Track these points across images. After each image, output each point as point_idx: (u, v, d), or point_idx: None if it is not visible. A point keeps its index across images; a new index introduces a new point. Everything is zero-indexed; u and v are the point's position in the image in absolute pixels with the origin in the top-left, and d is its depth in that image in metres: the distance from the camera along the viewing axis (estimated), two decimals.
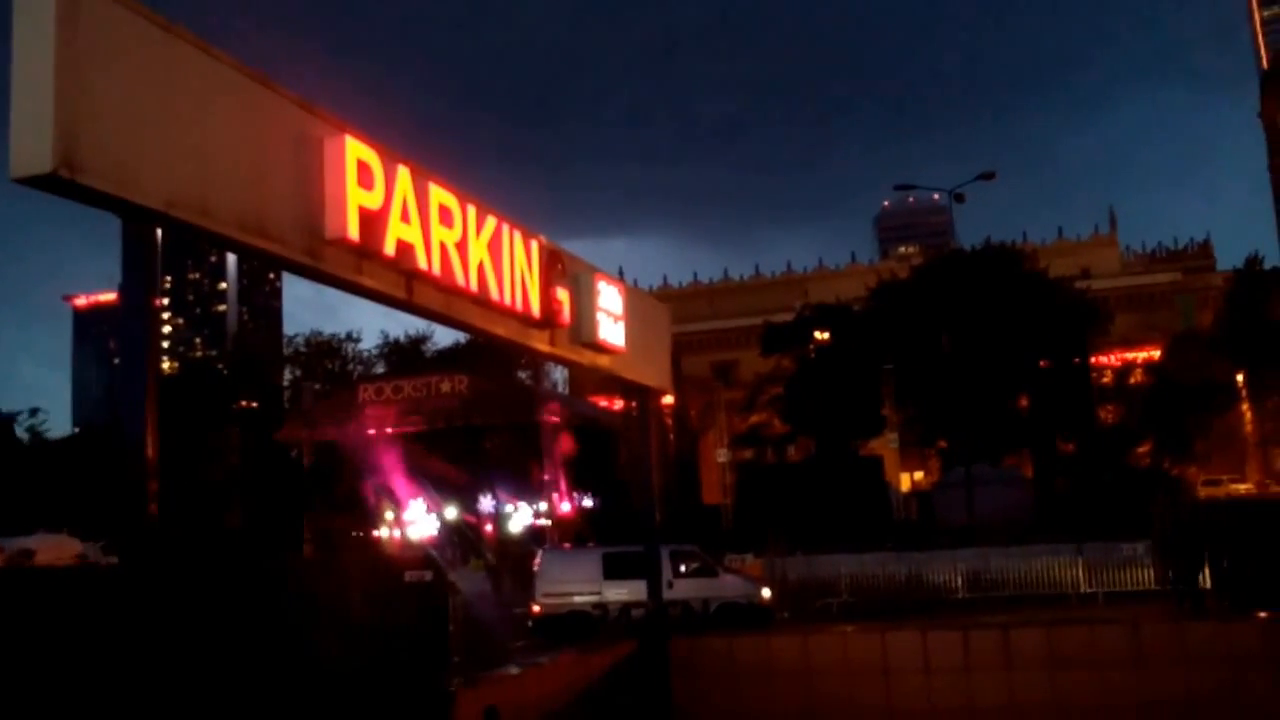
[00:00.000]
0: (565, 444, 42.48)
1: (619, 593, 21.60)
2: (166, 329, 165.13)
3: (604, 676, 17.50)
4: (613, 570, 21.94)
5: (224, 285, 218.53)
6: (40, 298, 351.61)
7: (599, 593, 21.79)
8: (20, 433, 59.53)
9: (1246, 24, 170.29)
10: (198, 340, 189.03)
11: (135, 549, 9.51)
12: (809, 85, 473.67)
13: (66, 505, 40.40)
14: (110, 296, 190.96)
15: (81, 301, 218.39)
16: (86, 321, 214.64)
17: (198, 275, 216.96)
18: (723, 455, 47.83)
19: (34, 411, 61.72)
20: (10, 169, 8.55)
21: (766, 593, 22.59)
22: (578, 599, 21.79)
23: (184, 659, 10.03)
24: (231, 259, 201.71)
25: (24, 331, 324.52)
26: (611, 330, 18.33)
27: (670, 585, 21.43)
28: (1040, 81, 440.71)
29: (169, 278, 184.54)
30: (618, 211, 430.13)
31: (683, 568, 22.09)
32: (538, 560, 23.19)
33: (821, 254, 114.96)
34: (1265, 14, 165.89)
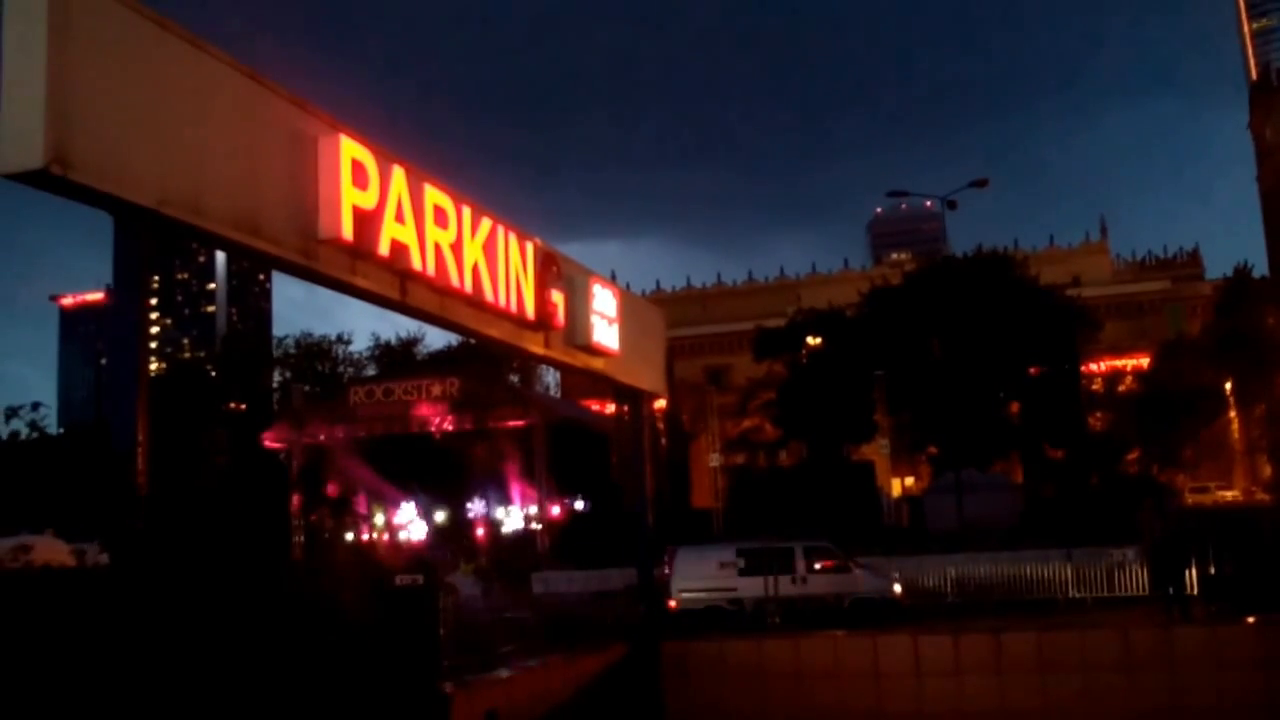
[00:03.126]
0: (557, 447, 42.43)
1: (754, 587, 21.98)
2: (154, 329, 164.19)
3: (596, 679, 17.46)
4: (748, 565, 22.44)
5: (213, 285, 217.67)
6: (26, 297, 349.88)
7: (734, 588, 22.23)
8: (21, 426, 59.09)
9: (1235, 35, 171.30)
10: (186, 341, 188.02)
11: (125, 551, 9.45)
12: (804, 91, 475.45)
13: (51, 506, 40.10)
14: (97, 296, 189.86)
15: (68, 301, 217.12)
16: (73, 321, 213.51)
17: (186, 275, 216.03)
18: (715, 460, 47.80)
19: (35, 406, 61.50)
20: (0, 164, 8.49)
21: (898, 587, 22.83)
22: (713, 594, 22.18)
23: (175, 662, 9.96)
24: (220, 259, 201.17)
25: (10, 331, 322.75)
26: (606, 333, 18.33)
27: (804, 580, 22.00)
28: (1033, 90, 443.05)
29: (157, 277, 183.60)
30: (612, 215, 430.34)
31: (816, 564, 22.50)
32: (672, 557, 23.50)
33: (815, 259, 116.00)
34: (1254, 26, 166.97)
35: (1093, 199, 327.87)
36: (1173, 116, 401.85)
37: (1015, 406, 48.98)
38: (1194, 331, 63.58)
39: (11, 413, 58.16)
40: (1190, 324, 67.53)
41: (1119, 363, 62.76)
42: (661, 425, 49.30)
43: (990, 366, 45.25)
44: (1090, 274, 76.17)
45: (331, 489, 41.98)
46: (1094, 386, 56.59)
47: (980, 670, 19.04)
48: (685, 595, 22.31)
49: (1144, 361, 61.65)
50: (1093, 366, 58.60)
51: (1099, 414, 53.64)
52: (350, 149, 11.89)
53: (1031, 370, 48.05)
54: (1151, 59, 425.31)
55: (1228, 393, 57.74)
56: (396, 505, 42.27)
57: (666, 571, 23.06)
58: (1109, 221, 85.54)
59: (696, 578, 22.58)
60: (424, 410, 42.90)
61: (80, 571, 13.82)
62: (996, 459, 48.03)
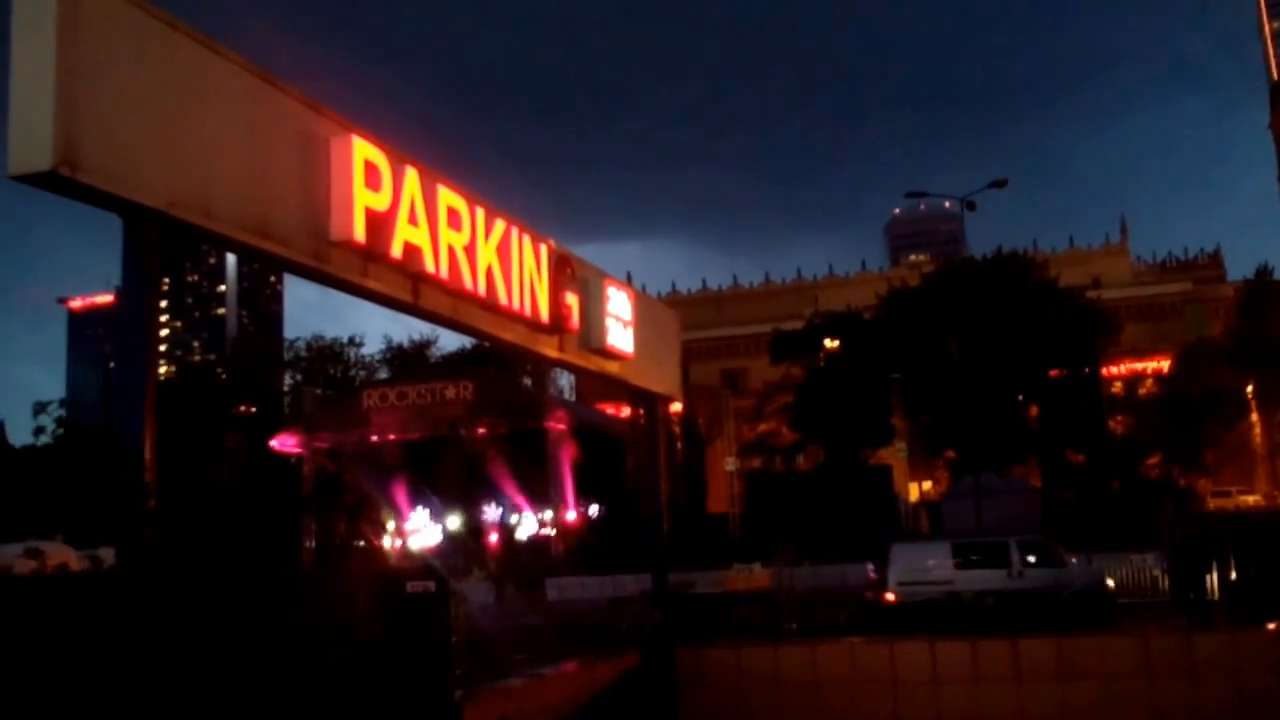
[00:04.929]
0: (571, 451, 42.27)
1: (970, 581, 22.21)
2: (164, 332, 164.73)
3: (609, 687, 17.29)
4: (963, 560, 22.84)
5: (223, 288, 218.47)
6: (35, 299, 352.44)
7: (951, 581, 22.47)
8: (48, 423, 59.41)
9: (1257, 36, 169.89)
10: (196, 344, 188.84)
11: (134, 557, 9.35)
12: (822, 92, 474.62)
13: (60, 510, 40.23)
14: (106, 299, 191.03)
15: (77, 304, 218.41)
16: (82, 324, 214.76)
17: (196, 278, 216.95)
18: (731, 464, 47.59)
19: (62, 403, 61.95)
20: (9, 166, 8.40)
21: (1110, 582, 22.90)
22: (930, 588, 22.39)
23: (184, 669, 9.86)
24: (231, 261, 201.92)
25: (17, 333, 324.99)
26: (620, 336, 18.16)
27: (1020, 574, 22.15)
28: (1053, 91, 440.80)
29: (167, 280, 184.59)
30: (628, 216, 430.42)
31: (1031, 558, 22.66)
32: (888, 552, 23.85)
33: (832, 261, 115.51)
34: (1275, 25, 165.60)
35: (1113, 200, 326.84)
36: (1195, 117, 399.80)
37: (1034, 410, 48.59)
38: (1215, 334, 62.91)
39: (40, 408, 58.61)
40: (1212, 326, 66.82)
41: (1139, 365, 62.19)
42: (677, 429, 49.14)
43: (1009, 369, 44.90)
44: (1110, 275, 75.59)
45: (343, 494, 41.95)
46: (1114, 389, 56.13)
47: (998, 677, 18.81)
48: (903, 589, 22.57)
49: (1164, 364, 61.04)
50: (1113, 369, 58.11)
51: (1119, 417, 53.21)
52: (363, 150, 11.77)
53: (1051, 373, 47.68)
54: (1174, 59, 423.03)
55: (1249, 396, 57.10)
56: (409, 510, 42.15)
57: (871, 571, 23.68)
58: (1129, 223, 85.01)
59: (913, 572, 22.92)
60: (437, 414, 42.78)
61: (89, 576, 13.77)
62: (1015, 463, 47.61)
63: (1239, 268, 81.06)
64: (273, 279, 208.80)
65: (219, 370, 72.86)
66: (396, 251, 12.28)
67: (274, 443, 46.19)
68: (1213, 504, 49.32)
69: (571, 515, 42.10)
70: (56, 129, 8.30)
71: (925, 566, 23.00)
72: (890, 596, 22.54)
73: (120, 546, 9.85)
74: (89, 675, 9.54)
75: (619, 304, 18.22)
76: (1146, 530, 28.21)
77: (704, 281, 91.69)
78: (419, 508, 42.03)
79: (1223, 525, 27.43)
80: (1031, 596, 21.89)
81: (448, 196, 13.39)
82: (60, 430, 59.48)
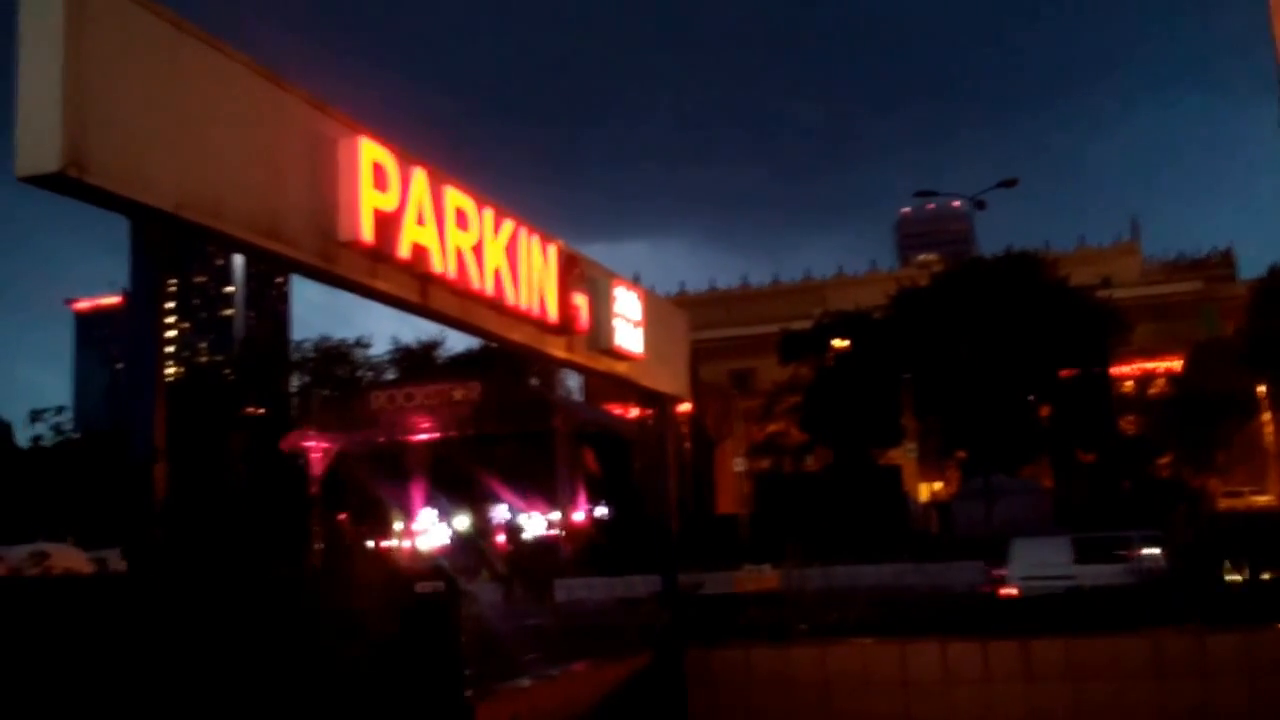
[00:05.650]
0: (579, 452, 42.26)
1: (1091, 574, 22.43)
2: (171, 333, 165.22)
3: (619, 688, 17.25)
4: (1084, 553, 23.36)
5: (231, 289, 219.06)
6: (41, 300, 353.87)
7: (1072, 575, 22.76)
8: (45, 431, 59.65)
9: (1266, 34, 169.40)
10: (203, 345, 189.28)
11: (143, 559, 9.35)
12: (830, 90, 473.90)
13: (69, 512, 40.31)
14: (113, 300, 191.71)
15: (83, 305, 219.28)
16: (88, 325, 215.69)
17: (204, 279, 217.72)
18: (740, 464, 47.56)
19: (59, 410, 62.11)
20: (15, 168, 8.39)
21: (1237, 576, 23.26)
22: (1051, 582, 22.50)
23: (193, 671, 9.84)
24: (238, 262, 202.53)
25: (24, 335, 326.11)
26: (629, 336, 18.11)
27: (1140, 567, 22.40)
28: (1063, 90, 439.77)
29: (174, 281, 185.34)
30: (636, 216, 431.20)
31: (1151, 550, 23.17)
32: (1010, 546, 24.46)
33: (840, 261, 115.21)
34: None
35: (1124, 199, 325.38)
36: (1206, 115, 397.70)
37: (1045, 410, 48.43)
38: (1227, 333, 62.57)
39: (36, 416, 58.85)
40: (1223, 325, 66.47)
41: (1150, 365, 61.93)
42: (685, 430, 49.03)
43: (1020, 369, 44.79)
44: (1121, 275, 75.32)
45: (352, 495, 42.02)
46: (1125, 389, 55.89)
47: (1009, 677, 18.71)
48: (1025, 583, 22.81)
49: (1176, 364, 60.76)
50: (1124, 369, 57.87)
51: (1130, 417, 53.00)
52: (370, 151, 11.76)
53: (1062, 373, 47.54)
54: (1184, 57, 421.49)
55: (1261, 396, 56.78)
56: (417, 511, 42.19)
57: (992, 571, 24.00)
58: (1140, 221, 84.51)
59: (1035, 566, 23.31)
60: (445, 415, 42.81)
61: (97, 580, 13.76)
62: (1026, 463, 47.48)
63: (1251, 266, 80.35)
64: (280, 280, 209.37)
65: (226, 371, 72.94)
66: (404, 252, 12.25)
67: (283, 444, 46.30)
68: (1224, 504, 49.08)
69: (580, 516, 42.09)
70: (64, 131, 8.29)
71: (1046, 560, 23.41)
72: (1012, 591, 22.81)
73: (129, 549, 9.85)
74: (101, 679, 9.52)
75: (627, 304, 18.17)
76: (1159, 530, 28.07)
77: (712, 281, 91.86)
78: (427, 508, 42.08)
79: (1234, 525, 27.46)
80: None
81: (456, 197, 13.37)
82: (59, 437, 59.62)
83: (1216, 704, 17.60)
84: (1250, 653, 17.90)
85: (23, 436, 62.08)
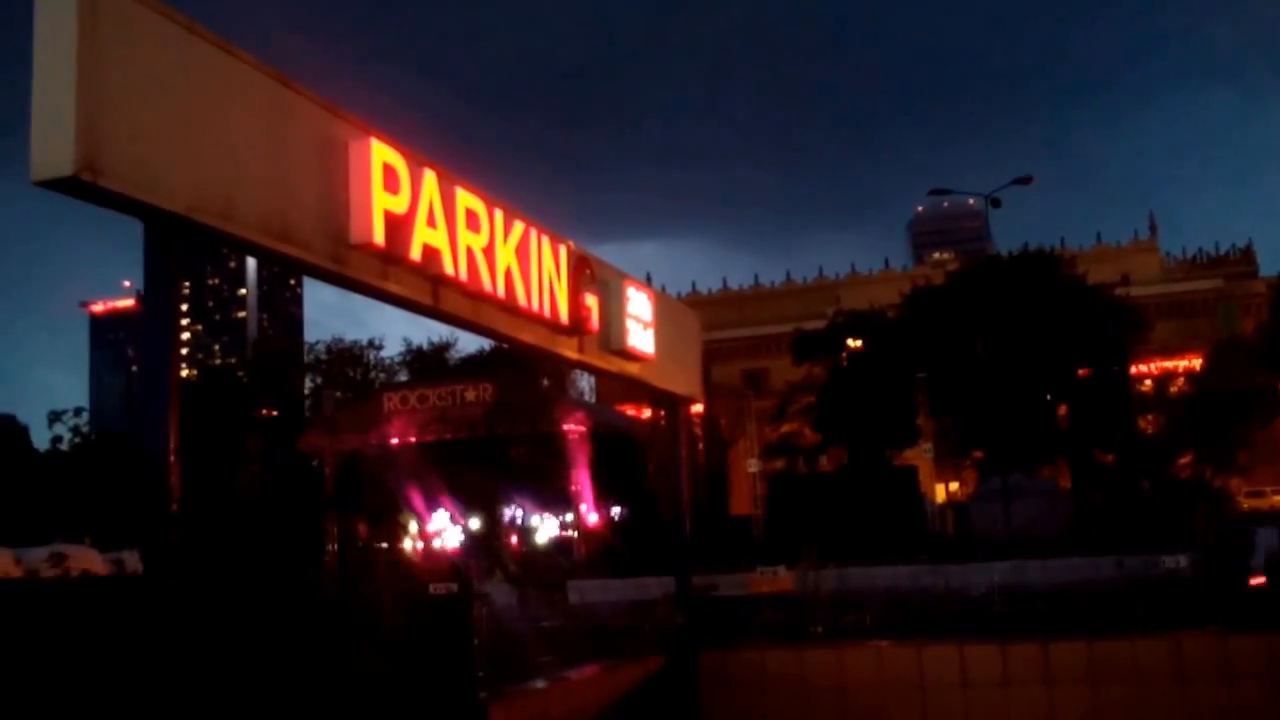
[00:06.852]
0: (592, 453, 42.18)
1: None
2: (185, 335, 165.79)
3: (632, 691, 17.21)
4: None
5: (244, 291, 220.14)
6: (57, 304, 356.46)
7: None
8: (64, 432, 60.04)
9: None
10: (217, 347, 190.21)
11: (159, 560, 9.36)
12: (843, 90, 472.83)
13: (84, 514, 40.49)
14: (127, 303, 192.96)
15: (98, 308, 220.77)
16: (103, 328, 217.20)
17: (217, 281, 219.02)
18: (753, 465, 47.29)
19: (78, 412, 62.49)
20: (31, 172, 8.45)
21: None
22: None
23: (209, 672, 9.86)
24: (251, 264, 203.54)
25: (40, 338, 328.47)
26: (641, 337, 18.08)
27: None
28: (1081, 87, 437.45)
29: (188, 283, 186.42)
30: (647, 216, 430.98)
31: None
32: (1253, 537, 24.40)
33: (854, 259, 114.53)
34: None
35: (1142, 196, 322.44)
36: (1226, 112, 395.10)
37: (1063, 409, 48.02)
38: (1247, 331, 61.97)
39: (55, 417, 59.20)
40: (1244, 323, 65.85)
41: (1170, 364, 61.36)
42: (698, 431, 48.88)
43: (1037, 368, 44.42)
44: (1140, 272, 74.66)
45: (365, 496, 42.07)
46: (1144, 388, 55.42)
47: (1028, 680, 18.58)
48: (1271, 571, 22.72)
49: (1196, 362, 60.19)
50: (1143, 367, 57.38)
51: (1150, 416, 52.47)
52: (381, 153, 11.77)
53: (1080, 372, 47.09)
54: (1205, 53, 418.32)
55: None
56: (431, 513, 42.23)
57: (1229, 563, 23.50)
58: (1159, 219, 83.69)
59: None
60: (457, 416, 42.79)
61: (114, 580, 13.82)
62: (1044, 463, 47.09)
63: (1271, 263, 79.72)
64: (292, 282, 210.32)
65: (240, 373, 73.28)
66: (415, 254, 12.27)
67: (300, 444, 46.48)
68: (1246, 504, 48.58)
69: (593, 517, 42.03)
70: (78, 135, 8.34)
71: None
72: (1259, 579, 22.43)
73: (146, 550, 9.87)
74: (122, 677, 9.55)
75: (639, 305, 18.14)
76: (1180, 531, 27.78)
77: (725, 281, 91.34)
78: (440, 510, 42.10)
79: (1256, 525, 27.16)
80: None
81: (466, 198, 13.38)
82: (78, 440, 59.97)
83: (1237, 707, 17.45)
84: (1273, 656, 17.73)
85: (41, 438, 62.59)
